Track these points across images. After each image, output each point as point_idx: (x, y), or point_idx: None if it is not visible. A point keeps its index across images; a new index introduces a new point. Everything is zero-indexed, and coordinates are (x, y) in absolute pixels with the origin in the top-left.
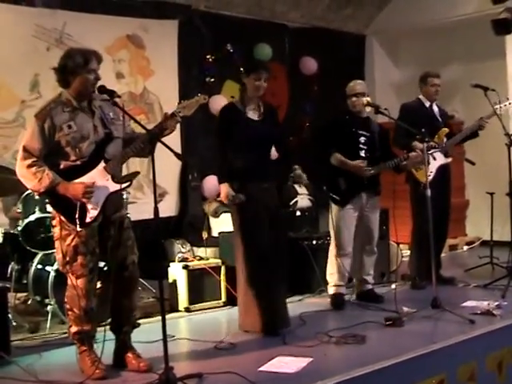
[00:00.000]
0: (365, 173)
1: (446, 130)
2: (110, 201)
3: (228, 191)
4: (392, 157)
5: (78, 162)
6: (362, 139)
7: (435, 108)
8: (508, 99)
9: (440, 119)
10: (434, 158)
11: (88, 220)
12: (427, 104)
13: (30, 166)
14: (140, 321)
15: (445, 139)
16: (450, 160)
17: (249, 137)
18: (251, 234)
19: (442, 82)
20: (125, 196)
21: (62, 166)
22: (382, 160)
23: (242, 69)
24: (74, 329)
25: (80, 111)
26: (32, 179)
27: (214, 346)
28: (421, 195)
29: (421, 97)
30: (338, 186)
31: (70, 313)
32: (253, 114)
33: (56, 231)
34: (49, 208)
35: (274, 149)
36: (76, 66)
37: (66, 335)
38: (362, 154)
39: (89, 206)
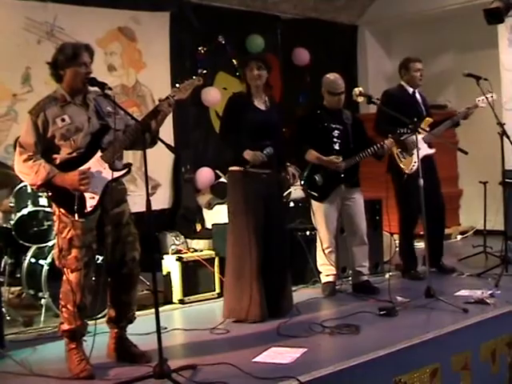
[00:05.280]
0: (339, 168)
1: (429, 119)
2: (109, 193)
3: (254, 152)
4: (369, 145)
5: (74, 154)
6: (336, 133)
7: (418, 95)
8: (491, 92)
9: (423, 107)
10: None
11: (88, 209)
12: (410, 90)
13: (25, 161)
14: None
15: (427, 129)
16: (433, 151)
17: (256, 124)
18: (241, 222)
19: (434, 71)
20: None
21: (58, 161)
22: (358, 150)
23: (234, 62)
24: (65, 326)
25: (73, 105)
26: (29, 173)
27: (209, 331)
28: (404, 184)
29: (403, 83)
30: (315, 183)
31: (63, 310)
32: (259, 104)
33: (55, 226)
34: (42, 201)
35: None
36: (66, 60)
37: None
38: (337, 147)
39: (87, 196)
